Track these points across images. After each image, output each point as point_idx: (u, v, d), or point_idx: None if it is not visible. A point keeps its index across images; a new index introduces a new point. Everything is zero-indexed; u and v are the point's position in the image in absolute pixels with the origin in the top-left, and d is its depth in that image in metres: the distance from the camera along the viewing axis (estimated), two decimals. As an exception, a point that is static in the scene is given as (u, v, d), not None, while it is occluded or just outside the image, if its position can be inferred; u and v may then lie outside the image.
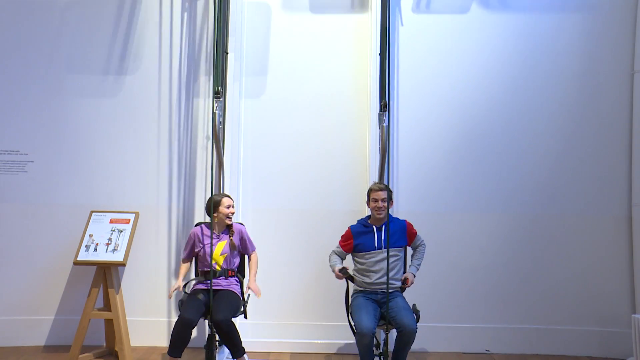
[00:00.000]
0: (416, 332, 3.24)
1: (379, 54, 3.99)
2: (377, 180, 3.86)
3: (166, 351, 3.32)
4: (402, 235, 3.58)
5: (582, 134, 4.29)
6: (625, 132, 4.27)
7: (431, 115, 4.31)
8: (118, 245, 3.89)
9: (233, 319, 3.40)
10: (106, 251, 3.86)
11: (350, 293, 3.62)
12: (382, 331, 3.49)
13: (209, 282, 3.50)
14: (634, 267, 4.15)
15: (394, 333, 3.37)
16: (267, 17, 4.40)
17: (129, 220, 4.02)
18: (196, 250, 3.63)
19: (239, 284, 3.66)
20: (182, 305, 3.44)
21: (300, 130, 4.35)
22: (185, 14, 4.40)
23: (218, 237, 3.61)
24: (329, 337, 4.18)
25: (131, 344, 3.95)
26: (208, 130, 4.30)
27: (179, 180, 4.31)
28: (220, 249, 3.58)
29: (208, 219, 3.77)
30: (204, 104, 4.34)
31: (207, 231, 3.62)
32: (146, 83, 4.35)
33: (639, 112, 4.19)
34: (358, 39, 4.36)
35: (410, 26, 4.35)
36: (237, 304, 3.49)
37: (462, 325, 4.20)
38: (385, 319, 3.33)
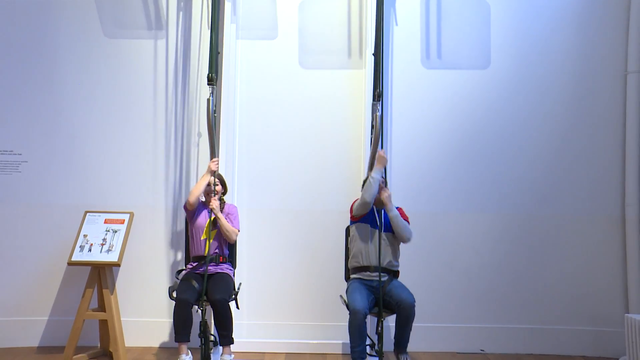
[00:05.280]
0: (414, 305, 3.27)
1: (373, 54, 4.01)
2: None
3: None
4: None
5: (575, 134, 4.31)
6: (618, 133, 4.29)
7: (426, 116, 4.32)
8: (112, 245, 3.87)
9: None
10: (100, 251, 3.84)
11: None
12: (376, 335, 3.48)
13: (202, 268, 3.59)
14: (627, 266, 4.17)
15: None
16: (264, 15, 4.41)
17: (124, 220, 4.01)
18: (194, 216, 3.76)
19: (231, 270, 3.74)
20: (173, 291, 3.49)
21: (296, 130, 4.35)
22: (181, 13, 4.39)
23: (210, 212, 3.71)
24: (324, 337, 4.18)
25: (126, 345, 3.93)
26: (201, 128, 4.30)
27: (173, 180, 4.31)
28: (208, 224, 3.68)
29: None
30: (197, 103, 4.34)
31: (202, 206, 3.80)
32: (140, 84, 4.34)
33: (632, 113, 4.21)
34: (354, 38, 4.37)
35: (405, 26, 4.36)
36: (232, 288, 3.58)
37: (457, 325, 4.22)
38: (379, 305, 3.37)
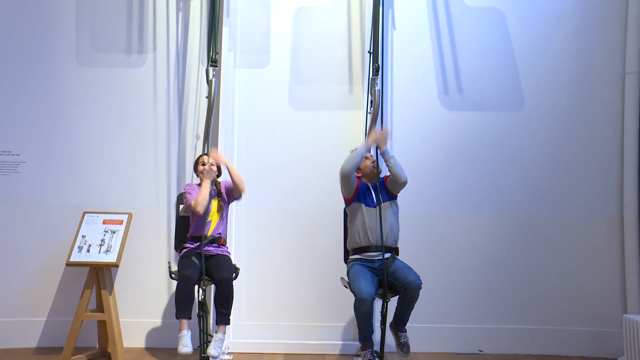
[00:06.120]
0: (421, 287, 3.28)
1: (369, 52, 4.04)
2: None
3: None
4: (386, 189, 3.63)
5: (574, 135, 4.32)
6: (617, 133, 4.30)
7: (425, 116, 4.33)
8: (111, 246, 3.87)
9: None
10: (99, 252, 3.84)
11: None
12: (378, 329, 3.48)
13: (201, 247, 3.59)
14: (626, 267, 4.18)
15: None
16: (262, 15, 4.41)
17: (122, 221, 4.01)
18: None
19: (229, 254, 3.75)
20: (175, 268, 3.51)
21: (294, 130, 4.35)
22: (180, 14, 4.39)
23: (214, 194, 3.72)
24: (322, 337, 4.17)
25: (124, 346, 3.93)
26: (199, 129, 4.30)
27: (172, 181, 4.30)
28: (215, 206, 3.69)
29: None
30: (196, 104, 4.34)
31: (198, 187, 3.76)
32: (139, 84, 4.33)
33: (630, 113, 4.22)
34: (352, 37, 4.38)
35: (403, 27, 4.37)
36: (233, 269, 3.59)
37: (456, 325, 4.22)
38: (384, 287, 3.36)
